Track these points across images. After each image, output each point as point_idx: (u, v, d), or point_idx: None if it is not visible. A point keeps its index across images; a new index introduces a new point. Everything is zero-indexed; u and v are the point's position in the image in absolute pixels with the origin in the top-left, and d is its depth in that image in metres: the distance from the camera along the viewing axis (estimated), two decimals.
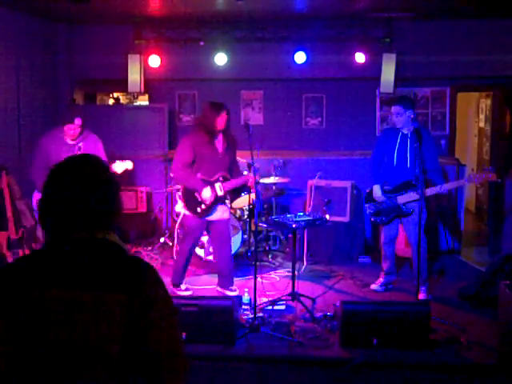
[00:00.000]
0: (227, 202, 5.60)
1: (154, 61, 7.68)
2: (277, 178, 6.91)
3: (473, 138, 10.09)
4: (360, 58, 7.55)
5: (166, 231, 7.39)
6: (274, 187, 7.04)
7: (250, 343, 4.55)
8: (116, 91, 10.39)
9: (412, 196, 5.39)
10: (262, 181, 6.68)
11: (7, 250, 5.63)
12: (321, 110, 8.29)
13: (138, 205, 7.75)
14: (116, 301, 1.62)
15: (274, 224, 5.60)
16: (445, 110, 8.16)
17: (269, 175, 6.94)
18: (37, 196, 5.62)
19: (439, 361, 4.28)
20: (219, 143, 5.36)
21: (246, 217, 6.78)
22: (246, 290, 5.25)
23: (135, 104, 10.56)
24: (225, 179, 5.39)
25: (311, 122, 8.33)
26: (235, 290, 5.52)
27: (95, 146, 5.73)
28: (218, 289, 5.62)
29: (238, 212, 6.83)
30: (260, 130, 7.60)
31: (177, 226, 5.62)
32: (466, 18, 7.50)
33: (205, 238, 6.26)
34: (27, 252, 5.73)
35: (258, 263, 5.04)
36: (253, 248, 6.23)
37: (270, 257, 6.95)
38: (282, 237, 7.42)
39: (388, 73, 7.37)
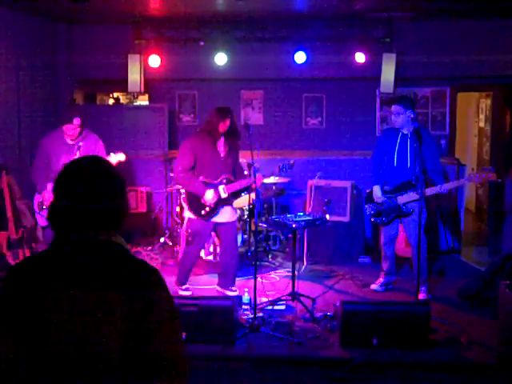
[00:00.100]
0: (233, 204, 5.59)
1: (154, 61, 7.68)
2: (277, 178, 6.90)
3: (473, 138, 10.09)
4: (360, 57, 7.54)
5: (166, 231, 7.39)
6: (273, 187, 7.04)
7: (250, 343, 4.55)
8: (116, 91, 10.40)
9: (412, 196, 5.39)
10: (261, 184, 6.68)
11: (7, 250, 5.64)
12: (321, 110, 8.29)
13: (138, 205, 7.76)
14: (116, 301, 1.62)
15: (274, 224, 5.60)
16: (445, 110, 8.16)
17: (271, 175, 6.92)
18: (38, 198, 5.64)
19: (439, 361, 4.28)
20: (221, 146, 5.36)
21: (245, 217, 6.78)
22: (246, 289, 5.24)
23: (135, 104, 10.57)
24: (228, 181, 5.38)
25: (311, 122, 8.34)
26: (235, 290, 5.52)
27: (96, 146, 5.73)
28: (218, 288, 5.62)
29: (238, 212, 6.83)
30: (260, 130, 7.61)
31: (184, 228, 5.61)
32: (465, 18, 7.49)
33: None
34: (27, 252, 5.73)
35: (257, 263, 5.04)
36: (253, 248, 6.23)
37: (269, 257, 6.95)
38: (282, 237, 7.42)
39: (388, 73, 7.37)
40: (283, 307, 5.24)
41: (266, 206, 7.19)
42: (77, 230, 1.70)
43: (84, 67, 7.98)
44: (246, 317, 4.92)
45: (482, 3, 6.51)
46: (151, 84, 8.16)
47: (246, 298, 5.15)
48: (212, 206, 5.30)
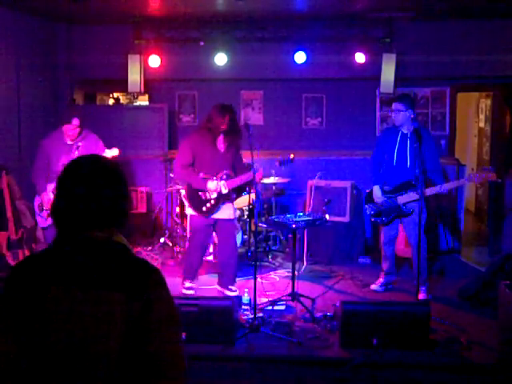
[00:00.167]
0: (233, 200, 5.60)
1: (154, 61, 7.68)
2: (277, 178, 6.90)
3: (473, 138, 10.09)
4: (360, 57, 7.54)
5: (166, 231, 7.39)
6: (273, 187, 7.04)
7: (250, 343, 4.55)
8: (116, 91, 10.40)
9: (412, 196, 5.39)
10: (261, 181, 6.68)
11: (7, 250, 5.64)
12: (321, 110, 8.29)
13: (138, 205, 7.77)
14: (116, 300, 1.62)
15: (273, 224, 5.60)
16: (445, 110, 8.16)
17: (269, 175, 6.93)
18: (38, 200, 5.65)
19: (439, 361, 4.28)
20: (221, 142, 5.37)
21: (245, 217, 6.78)
22: (246, 290, 5.24)
23: (135, 104, 10.57)
24: (228, 177, 5.39)
25: (311, 122, 8.34)
26: (235, 291, 5.52)
27: (96, 146, 5.75)
28: (218, 287, 5.62)
29: (238, 212, 6.83)
30: (260, 130, 7.60)
31: (188, 228, 5.63)
32: (465, 18, 7.49)
33: None
34: (27, 252, 5.73)
35: (257, 263, 5.04)
36: (253, 248, 6.23)
37: (269, 257, 6.95)
38: (281, 237, 7.42)
39: (388, 73, 7.37)
40: (283, 307, 5.24)
41: (265, 206, 7.19)
42: (78, 229, 1.70)
43: (84, 67, 7.99)
44: (245, 317, 4.92)
45: (482, 3, 6.52)
46: (151, 84, 8.16)
47: (245, 298, 5.15)
48: (213, 202, 5.31)
